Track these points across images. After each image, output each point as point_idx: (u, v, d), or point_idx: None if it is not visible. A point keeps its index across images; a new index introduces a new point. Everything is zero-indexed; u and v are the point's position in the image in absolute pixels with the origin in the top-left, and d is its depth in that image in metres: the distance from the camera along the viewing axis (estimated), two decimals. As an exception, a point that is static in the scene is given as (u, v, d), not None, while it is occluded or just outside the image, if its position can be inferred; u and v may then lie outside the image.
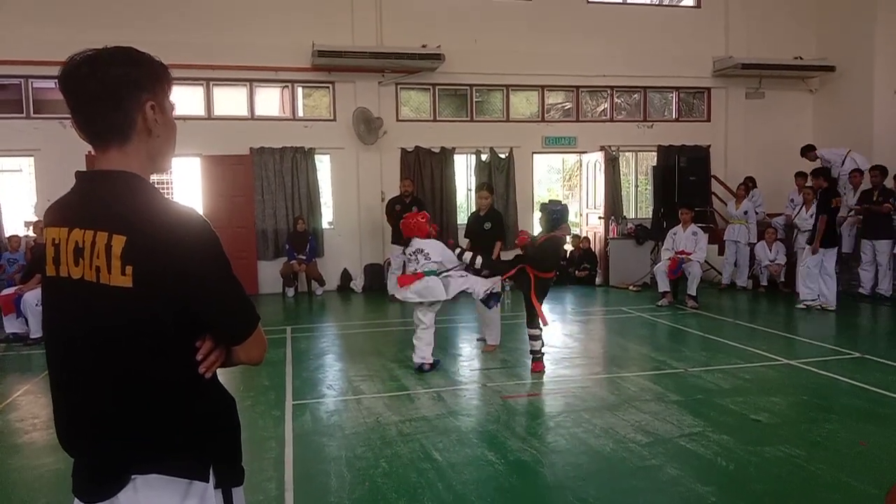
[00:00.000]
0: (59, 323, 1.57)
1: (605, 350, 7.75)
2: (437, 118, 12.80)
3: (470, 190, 13.08)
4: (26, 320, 8.16)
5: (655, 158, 13.52)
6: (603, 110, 13.96)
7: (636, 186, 14.50)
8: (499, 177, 12.83)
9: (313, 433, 4.92)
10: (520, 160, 12.97)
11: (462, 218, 12.35)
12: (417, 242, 6.54)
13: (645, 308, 9.96)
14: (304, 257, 11.56)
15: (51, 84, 11.34)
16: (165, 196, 1.53)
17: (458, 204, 12.99)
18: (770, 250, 11.41)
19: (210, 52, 11.23)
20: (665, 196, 12.40)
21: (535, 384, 6.18)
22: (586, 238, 13.20)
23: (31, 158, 11.37)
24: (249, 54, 11.51)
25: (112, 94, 1.51)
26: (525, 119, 13.31)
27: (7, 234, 10.93)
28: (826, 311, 9.44)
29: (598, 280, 12.54)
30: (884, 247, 10.25)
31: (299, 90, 12.44)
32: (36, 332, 8.08)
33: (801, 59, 13.58)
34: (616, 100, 13.77)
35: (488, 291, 6.70)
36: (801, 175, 11.60)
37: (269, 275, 11.85)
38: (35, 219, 10.84)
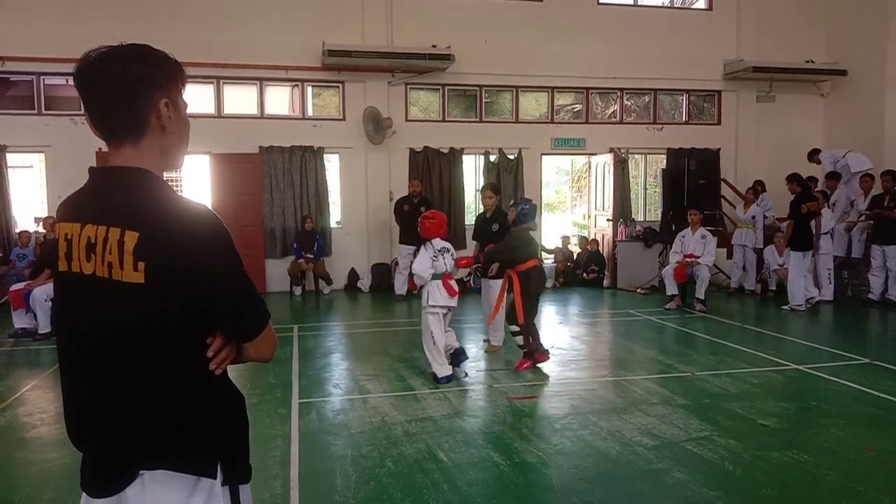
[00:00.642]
0: (70, 318, 1.58)
1: (612, 353, 7.72)
2: (447, 118, 12.80)
3: (478, 191, 13.06)
4: (35, 315, 8.20)
5: (665, 161, 13.49)
6: (612, 112, 13.93)
7: (645, 189, 14.47)
8: (507, 178, 12.82)
9: (319, 432, 4.93)
10: (528, 161, 12.95)
11: (470, 219, 12.33)
12: (439, 242, 6.28)
13: (653, 311, 9.93)
14: (311, 256, 11.58)
15: (62, 81, 11.42)
16: (178, 193, 1.54)
17: (466, 204, 12.98)
18: (779, 255, 11.35)
19: (220, 50, 11.27)
20: (674, 199, 12.36)
21: (542, 386, 6.17)
22: (595, 240, 13.18)
23: (42, 155, 11.43)
24: (260, 53, 11.54)
25: (127, 91, 1.51)
26: (534, 120, 13.30)
27: (18, 230, 11.01)
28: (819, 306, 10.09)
29: (605, 282, 12.51)
30: (894, 252, 10.17)
31: (309, 89, 12.46)
32: (44, 327, 8.12)
33: (812, 62, 13.52)
34: (626, 102, 13.74)
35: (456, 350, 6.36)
36: (811, 180, 11.54)
37: (276, 273, 11.88)
38: (45, 214, 10.91)
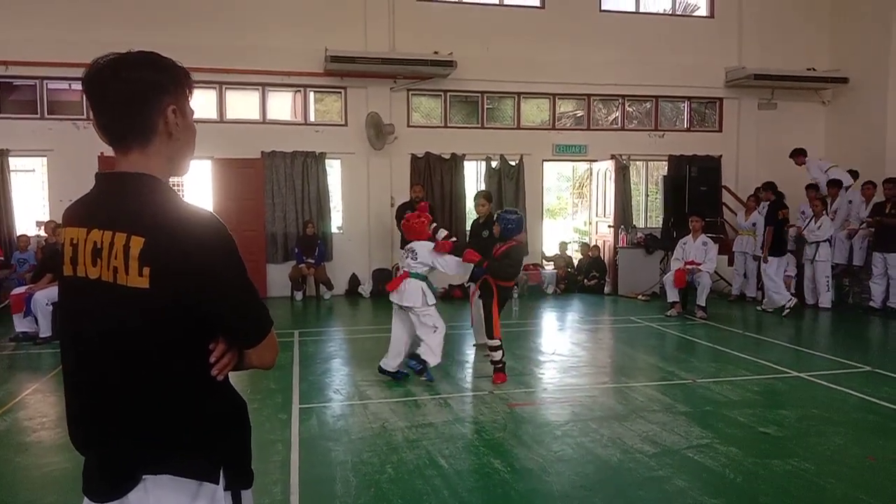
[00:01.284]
0: (74, 322, 1.58)
1: (612, 359, 7.72)
2: (448, 124, 12.82)
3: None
4: (36, 319, 8.21)
5: (666, 168, 13.50)
6: (614, 119, 13.95)
7: (646, 196, 14.48)
8: (508, 184, 12.84)
9: (320, 437, 4.93)
10: (530, 168, 12.97)
11: (470, 225, 12.34)
12: (415, 243, 6.41)
13: (653, 318, 9.92)
14: (312, 261, 11.59)
15: (65, 85, 11.46)
16: (184, 199, 1.54)
17: (467, 210, 12.98)
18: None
19: (223, 55, 11.30)
20: (675, 206, 12.36)
21: (542, 393, 6.16)
22: (596, 247, 13.19)
23: (45, 159, 11.45)
24: (262, 58, 11.58)
25: (135, 98, 1.53)
26: (536, 126, 13.32)
27: (18, 234, 11.01)
28: (772, 313, 10.30)
29: (606, 289, 12.51)
30: (895, 260, 10.17)
31: (311, 95, 12.50)
32: (45, 331, 8.13)
33: (814, 70, 13.54)
34: (627, 108, 13.77)
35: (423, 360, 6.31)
36: (811, 187, 11.55)
37: (277, 278, 11.88)
38: (47, 219, 10.92)
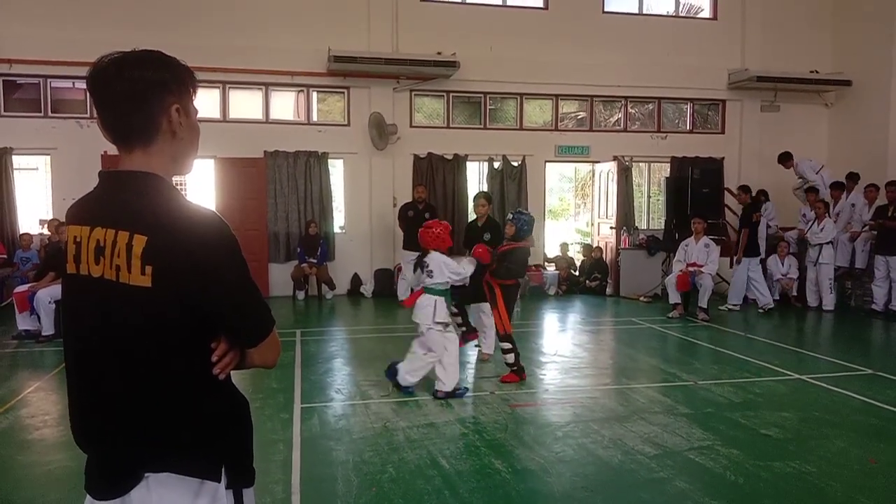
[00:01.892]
0: (77, 320, 1.59)
1: (614, 361, 7.71)
2: (451, 125, 12.83)
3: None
4: (39, 318, 8.23)
5: (668, 169, 13.49)
6: (617, 120, 13.95)
7: (649, 197, 14.47)
8: (511, 185, 12.84)
9: (321, 437, 4.93)
10: (532, 169, 12.96)
11: (473, 225, 12.36)
12: (429, 255, 5.98)
13: (655, 319, 9.92)
14: (315, 261, 11.60)
15: (69, 84, 11.48)
16: (187, 198, 1.55)
17: (469, 211, 12.97)
18: (782, 264, 11.35)
19: (226, 55, 11.31)
20: (677, 207, 12.36)
21: (544, 394, 6.16)
22: (598, 248, 13.19)
23: (48, 157, 11.48)
24: (265, 58, 11.59)
25: (139, 97, 1.53)
26: (538, 128, 13.31)
27: (21, 232, 11.03)
28: (769, 312, 10.58)
29: (608, 290, 12.50)
30: (897, 263, 10.16)
31: (314, 95, 12.51)
32: (48, 329, 8.14)
33: (817, 72, 13.52)
34: (630, 110, 13.76)
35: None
36: (812, 190, 11.55)
37: (279, 277, 11.89)
38: (50, 217, 10.94)
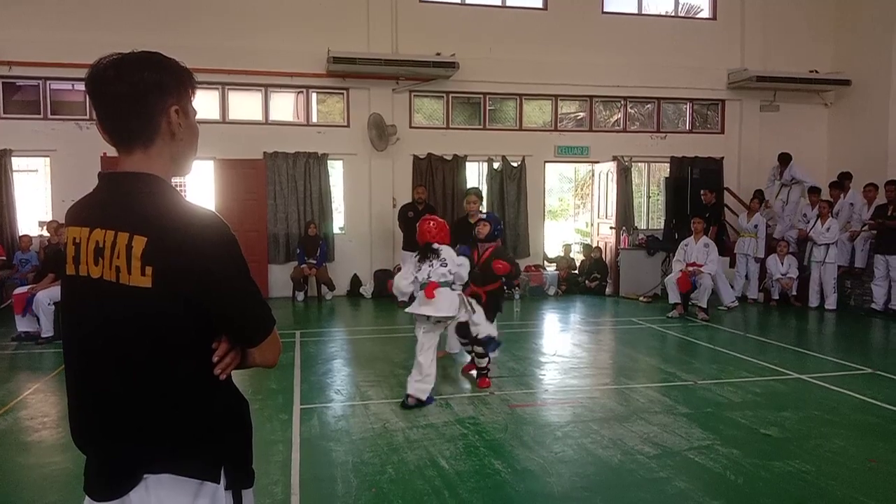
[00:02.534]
0: (77, 321, 1.59)
1: (614, 361, 7.71)
2: (451, 126, 12.83)
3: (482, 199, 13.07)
4: (38, 319, 8.23)
5: (668, 170, 13.50)
6: (616, 120, 13.95)
7: (648, 197, 14.47)
8: (510, 185, 12.84)
9: (320, 437, 4.93)
10: (532, 169, 12.97)
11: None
12: (440, 247, 5.71)
13: (655, 319, 9.92)
14: (314, 262, 11.60)
15: (68, 86, 11.49)
16: (186, 199, 1.55)
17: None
18: (782, 264, 11.36)
19: (226, 56, 11.32)
20: (677, 207, 12.37)
21: (543, 394, 6.16)
22: (597, 248, 13.19)
23: (48, 159, 11.49)
24: (265, 59, 11.60)
25: (138, 98, 1.53)
26: (538, 128, 13.32)
27: (20, 234, 11.03)
28: (730, 309, 10.71)
29: (608, 290, 12.51)
30: (897, 262, 10.17)
31: (314, 96, 12.52)
32: (47, 331, 8.15)
33: (816, 72, 13.53)
34: (629, 110, 13.77)
35: (489, 336, 5.99)
36: (814, 190, 11.56)
37: (279, 278, 11.90)
38: (49, 219, 10.94)
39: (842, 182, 11.71)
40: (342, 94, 12.37)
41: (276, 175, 11.97)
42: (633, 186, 13.73)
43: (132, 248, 1.46)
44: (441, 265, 5.63)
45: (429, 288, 5.54)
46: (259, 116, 12.15)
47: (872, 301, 10.53)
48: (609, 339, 9.12)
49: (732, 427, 5.11)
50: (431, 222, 5.81)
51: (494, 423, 5.28)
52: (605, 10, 13.27)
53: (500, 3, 12.91)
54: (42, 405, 5.75)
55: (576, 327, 9.78)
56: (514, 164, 12.89)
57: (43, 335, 8.16)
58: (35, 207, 12.13)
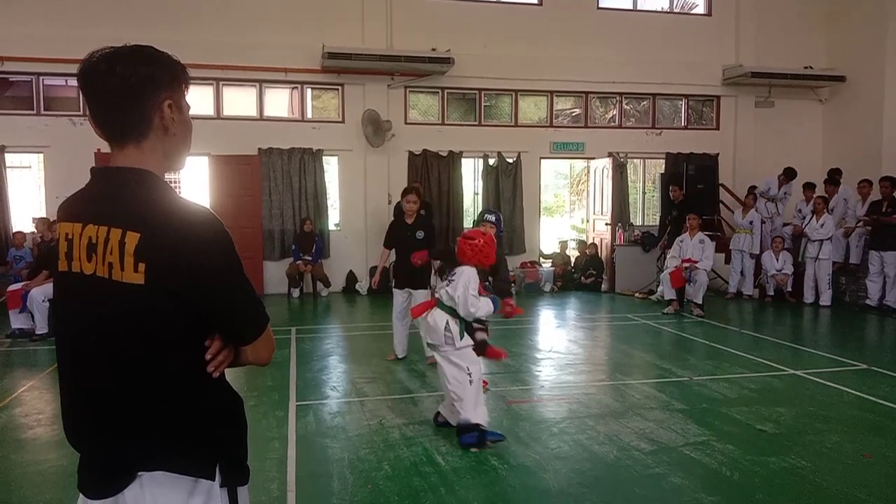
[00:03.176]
0: (69, 318, 1.57)
1: (609, 357, 7.72)
2: (446, 122, 12.82)
3: (477, 194, 13.09)
4: (32, 316, 8.19)
5: (663, 166, 13.51)
6: (612, 116, 13.96)
7: (643, 193, 14.49)
8: (506, 181, 12.84)
9: (316, 434, 4.92)
10: (527, 165, 12.97)
11: (469, 222, 12.34)
12: (462, 267, 4.74)
13: (650, 315, 9.93)
14: (310, 258, 11.58)
15: (61, 81, 11.43)
16: (180, 195, 1.54)
17: (465, 208, 12.98)
18: (777, 260, 11.38)
19: (220, 51, 11.28)
20: (672, 204, 12.38)
21: (539, 390, 6.17)
22: (593, 244, 13.20)
23: (41, 155, 11.43)
24: (259, 55, 11.56)
25: (130, 92, 1.51)
26: (533, 124, 13.31)
27: (14, 231, 10.98)
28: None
29: (603, 286, 12.52)
30: (892, 258, 10.20)
31: (308, 91, 12.48)
32: (42, 328, 8.11)
33: (811, 68, 13.56)
34: (625, 106, 13.77)
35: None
36: (809, 186, 11.59)
37: (274, 275, 11.87)
38: (43, 215, 10.89)
39: (834, 178, 11.73)
40: (337, 89, 12.34)
41: (271, 171, 11.93)
42: (629, 183, 13.74)
43: (125, 245, 1.45)
44: (447, 283, 4.75)
45: (420, 305, 5.06)
46: (254, 112, 12.11)
47: (867, 297, 10.56)
48: (605, 336, 9.13)
49: (728, 423, 5.12)
50: (471, 242, 4.75)
51: (491, 419, 5.26)
52: (601, 5, 13.28)
53: (495, -1, 12.90)
54: (37, 402, 5.73)
55: (571, 323, 9.79)
56: (510, 161, 12.89)
57: (37, 332, 8.12)
58: (29, 204, 12.07)
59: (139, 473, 1.50)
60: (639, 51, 13.09)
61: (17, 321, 8.30)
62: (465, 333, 4.66)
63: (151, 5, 11.18)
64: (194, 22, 11.32)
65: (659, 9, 13.93)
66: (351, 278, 12.34)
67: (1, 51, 10.74)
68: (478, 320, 4.75)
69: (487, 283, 5.11)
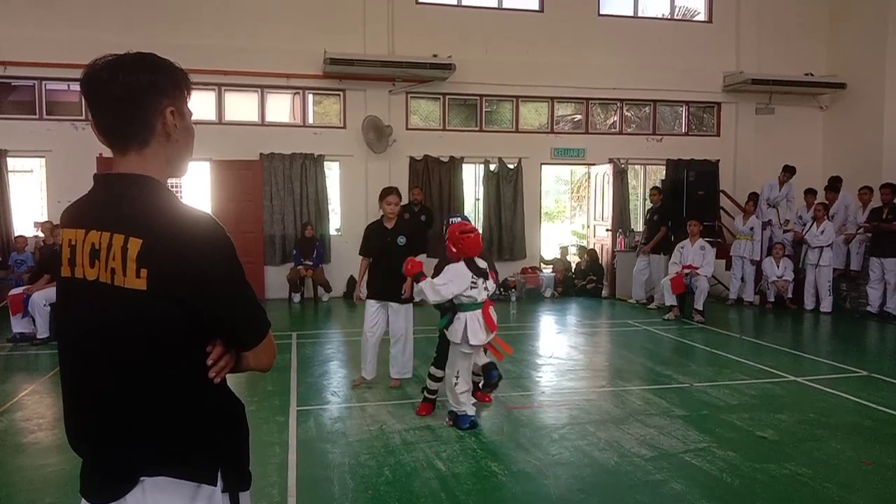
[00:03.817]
0: (72, 323, 1.58)
1: (610, 363, 7.72)
2: (447, 127, 12.84)
3: (478, 200, 13.10)
4: (34, 320, 8.20)
5: (664, 172, 13.52)
6: (612, 123, 13.98)
7: (644, 200, 14.49)
8: (507, 187, 12.85)
9: (317, 439, 4.92)
10: (528, 171, 12.98)
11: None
12: (480, 261, 5.02)
13: (651, 321, 9.93)
14: (310, 263, 11.59)
15: (64, 86, 11.46)
16: (182, 201, 1.55)
17: (465, 214, 12.97)
18: (777, 266, 11.38)
19: (222, 57, 11.31)
20: (673, 210, 12.39)
21: (540, 396, 6.16)
22: (593, 250, 13.20)
23: (43, 159, 11.45)
24: (261, 60, 11.59)
25: (133, 99, 1.52)
26: (534, 130, 13.33)
27: (16, 235, 11.00)
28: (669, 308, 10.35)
29: (604, 292, 12.52)
30: (892, 265, 10.20)
31: (310, 97, 12.51)
32: (43, 332, 8.12)
33: (811, 75, 13.58)
34: (626, 113, 13.79)
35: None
36: (810, 192, 11.60)
37: (275, 280, 11.88)
38: (45, 219, 10.91)
39: (835, 185, 11.73)
40: (339, 95, 12.37)
41: (273, 176, 11.95)
42: (629, 189, 13.76)
43: (127, 251, 1.46)
44: (484, 282, 4.96)
45: (490, 314, 4.98)
46: (255, 117, 12.14)
47: (868, 304, 10.56)
48: (605, 342, 9.13)
49: (728, 429, 5.11)
50: (472, 235, 5.00)
51: (491, 424, 5.28)
52: (602, 12, 13.31)
53: (496, 5, 12.93)
54: (38, 407, 5.73)
55: (572, 329, 9.79)
56: (511, 166, 12.90)
57: (38, 336, 8.13)
58: (30, 208, 12.09)
59: (141, 478, 1.51)
60: (640, 57, 13.12)
61: (18, 325, 8.30)
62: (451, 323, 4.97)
63: (154, 10, 11.21)
64: (196, 27, 11.35)
65: (660, 16, 13.97)
66: (352, 283, 12.31)
67: (3, 55, 10.77)
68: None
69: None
